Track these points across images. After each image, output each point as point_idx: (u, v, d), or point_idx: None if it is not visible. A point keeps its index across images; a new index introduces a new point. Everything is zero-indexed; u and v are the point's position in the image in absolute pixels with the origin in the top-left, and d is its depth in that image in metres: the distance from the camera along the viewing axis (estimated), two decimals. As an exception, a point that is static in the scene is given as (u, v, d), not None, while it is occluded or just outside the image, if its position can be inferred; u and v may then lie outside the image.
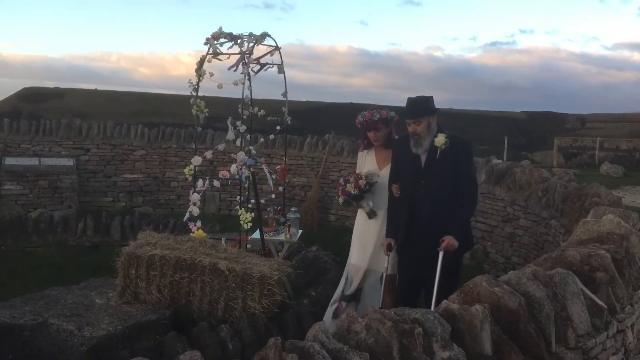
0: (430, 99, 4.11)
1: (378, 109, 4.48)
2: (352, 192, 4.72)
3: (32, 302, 4.43)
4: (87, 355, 3.78)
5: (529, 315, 2.38)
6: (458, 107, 40.23)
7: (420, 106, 4.05)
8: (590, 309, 2.66)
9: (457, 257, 4.10)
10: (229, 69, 5.59)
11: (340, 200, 4.84)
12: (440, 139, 3.95)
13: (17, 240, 7.52)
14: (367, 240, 4.68)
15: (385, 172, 4.53)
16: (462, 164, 4.00)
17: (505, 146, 20.65)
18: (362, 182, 4.65)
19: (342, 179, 4.90)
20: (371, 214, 4.67)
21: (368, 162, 4.82)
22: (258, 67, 6.22)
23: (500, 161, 7.98)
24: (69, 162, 10.12)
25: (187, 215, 5.74)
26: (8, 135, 10.13)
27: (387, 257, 4.26)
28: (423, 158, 4.07)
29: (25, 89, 30.82)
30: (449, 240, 3.83)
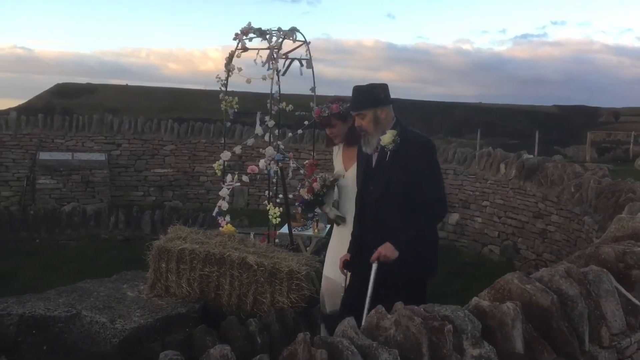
0: (378, 87, 3.42)
1: (330, 103, 3.95)
2: (306, 198, 4.22)
3: (65, 294, 4.53)
4: (118, 347, 3.85)
5: (561, 313, 2.34)
6: (488, 102, 39.73)
7: (364, 96, 3.38)
8: (625, 308, 2.60)
9: (419, 281, 3.43)
10: (263, 64, 5.61)
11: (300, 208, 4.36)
12: (387, 137, 3.29)
13: (51, 234, 7.69)
14: (341, 252, 3.91)
15: (351, 173, 3.92)
16: (423, 167, 3.28)
17: (536, 141, 20.31)
18: (316, 186, 4.15)
19: (300, 183, 4.46)
20: (338, 220, 4.19)
21: (336, 162, 4.38)
22: (286, 65, 6.22)
23: (531, 156, 7.86)
24: (101, 156, 10.30)
25: (216, 210, 5.79)
26: (42, 131, 10.34)
27: (344, 276, 3.66)
28: (374, 158, 3.44)
29: (58, 85, 31.46)
30: (383, 250, 3.15)
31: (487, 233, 7.63)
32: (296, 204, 4.43)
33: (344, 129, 3.96)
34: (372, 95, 3.35)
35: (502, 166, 7.60)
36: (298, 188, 4.24)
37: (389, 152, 3.29)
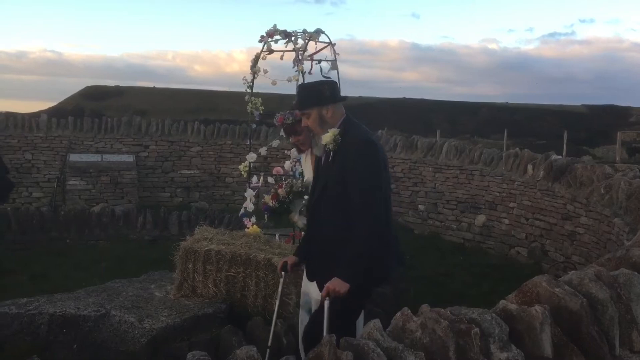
0: (323, 85, 3.22)
1: (293, 109, 3.71)
2: (270, 205, 4.03)
3: (95, 294, 4.61)
4: (146, 347, 3.90)
5: (591, 317, 2.30)
6: (515, 101, 39.25)
7: (308, 94, 3.17)
8: (658, 312, 2.55)
9: (350, 299, 2.93)
10: (294, 66, 5.63)
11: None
12: (327, 136, 3.04)
13: (81, 234, 7.83)
14: None
15: None
16: (357, 170, 2.91)
17: (565, 141, 19.98)
18: (281, 192, 4.04)
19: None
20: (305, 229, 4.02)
21: (305, 168, 4.22)
22: (312, 65, 6.23)
23: (560, 157, 7.75)
24: (129, 158, 10.46)
25: (242, 211, 5.84)
26: (72, 133, 10.54)
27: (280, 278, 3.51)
28: (322, 160, 3.21)
29: (87, 88, 31.99)
30: (331, 285, 2.80)
31: (514, 235, 7.54)
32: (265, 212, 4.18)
33: (310, 135, 3.62)
34: (315, 94, 3.14)
35: (530, 167, 7.50)
36: (263, 195, 3.89)
37: (331, 154, 3.07)
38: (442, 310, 2.18)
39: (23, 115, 10.94)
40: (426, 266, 6.97)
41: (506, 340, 2.09)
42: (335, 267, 2.86)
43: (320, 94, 3.13)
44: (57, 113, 15.04)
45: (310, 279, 3.16)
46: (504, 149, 13.23)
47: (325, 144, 3.04)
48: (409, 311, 2.22)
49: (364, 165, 2.92)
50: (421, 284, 6.05)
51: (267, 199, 3.78)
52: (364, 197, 2.88)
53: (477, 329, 2.02)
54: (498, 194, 7.89)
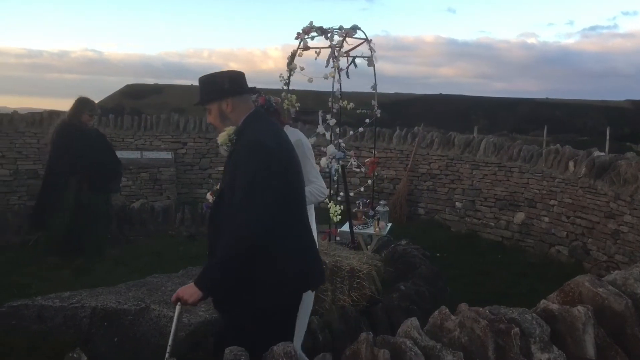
0: (222, 77, 2.85)
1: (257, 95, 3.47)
2: (211, 202, 4.05)
3: (135, 288, 4.70)
4: (185, 341, 3.96)
5: (636, 318, 2.23)
6: (555, 97, 38.41)
7: (207, 88, 2.85)
8: None
9: (242, 321, 2.68)
10: (329, 64, 5.64)
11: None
12: (222, 135, 2.77)
13: (122, 230, 7.99)
14: None
15: None
16: (238, 175, 2.61)
17: (607, 137, 19.44)
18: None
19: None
20: None
21: None
22: (349, 63, 6.22)
23: (603, 153, 7.53)
24: (167, 155, 10.63)
25: (278, 208, 5.87)
26: (113, 130, 10.76)
27: None
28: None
29: (127, 86, 32.65)
30: (181, 292, 2.58)
31: (554, 233, 7.38)
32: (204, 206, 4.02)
33: None
34: (214, 87, 2.82)
35: (571, 164, 7.32)
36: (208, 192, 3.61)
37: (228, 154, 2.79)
38: (481, 309, 2.15)
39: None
40: (463, 264, 6.89)
41: (547, 340, 2.04)
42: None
43: (218, 86, 2.81)
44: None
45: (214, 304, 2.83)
46: (544, 145, 12.96)
47: (220, 144, 2.77)
48: (447, 310, 2.20)
49: (247, 170, 2.57)
50: (458, 283, 5.98)
51: (209, 195, 3.46)
52: (242, 204, 2.53)
53: (517, 329, 1.99)
54: (538, 192, 7.74)
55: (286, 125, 3.34)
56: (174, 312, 2.64)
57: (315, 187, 3.14)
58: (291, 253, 2.67)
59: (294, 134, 3.24)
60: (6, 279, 5.59)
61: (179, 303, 2.58)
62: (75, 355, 2.11)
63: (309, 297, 3.17)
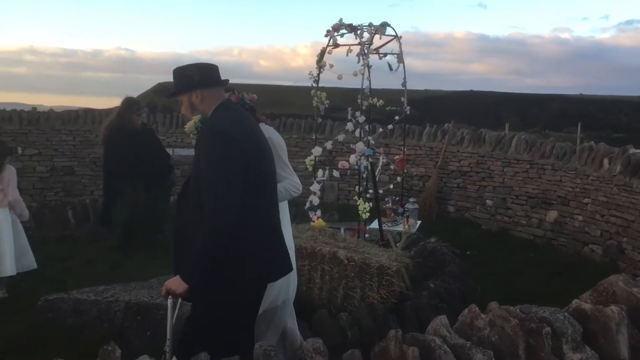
0: (191, 69, 2.88)
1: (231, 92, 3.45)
2: None
3: (167, 283, 4.78)
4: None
5: (672, 319, 2.19)
6: (589, 93, 37.61)
7: (177, 80, 2.90)
8: None
9: (207, 311, 2.73)
10: (359, 60, 5.64)
11: None
12: (189, 124, 2.85)
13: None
14: None
15: None
16: (202, 163, 2.64)
17: (644, 134, 18.96)
18: None
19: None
20: None
21: None
22: (379, 59, 6.22)
23: (638, 151, 7.36)
24: (198, 152, 10.74)
25: (307, 205, 5.90)
26: (145, 128, 10.93)
27: None
28: None
29: (159, 84, 33.14)
30: (169, 284, 2.62)
31: (588, 232, 7.24)
32: None
33: None
34: (184, 79, 2.86)
35: (606, 161, 7.17)
36: None
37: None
38: (512, 308, 2.14)
39: (100, 111, 11.41)
40: (494, 263, 6.81)
41: (579, 340, 2.02)
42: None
43: (188, 79, 2.85)
44: (131, 109, 15.67)
45: None
46: (578, 142, 12.72)
47: (188, 132, 2.84)
48: (477, 308, 2.19)
49: (209, 158, 2.62)
50: (489, 281, 5.91)
51: None
52: (208, 193, 2.58)
53: (548, 328, 1.97)
54: (571, 189, 7.60)
55: (261, 123, 3.34)
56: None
57: (289, 183, 3.18)
58: (253, 243, 2.69)
59: (267, 132, 3.26)
60: (43, 273, 5.74)
61: (169, 296, 2.63)
62: (109, 348, 2.16)
63: (286, 281, 3.21)
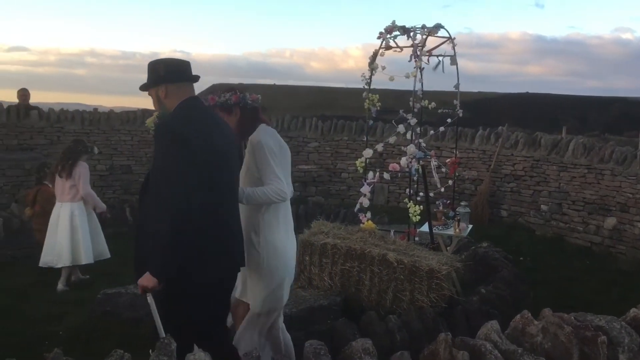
0: (159, 63, 2.90)
1: (224, 92, 3.39)
2: None
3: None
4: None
5: None
6: (653, 95, 36.06)
7: (148, 75, 2.91)
8: None
9: (172, 292, 2.74)
10: (410, 61, 5.62)
11: None
12: (150, 119, 2.92)
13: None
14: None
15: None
16: (156, 158, 2.72)
17: None
18: None
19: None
20: None
21: None
22: (436, 63, 6.17)
23: None
24: (250, 153, 10.92)
25: (357, 206, 5.91)
26: (199, 129, 11.20)
27: None
28: None
29: (213, 86, 33.74)
30: (141, 282, 2.67)
31: (649, 240, 6.98)
32: None
33: (231, 121, 3.25)
34: (152, 74, 2.87)
35: (669, 167, 6.89)
36: None
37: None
38: (566, 315, 2.10)
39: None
40: (548, 269, 6.65)
41: (637, 350, 1.96)
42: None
43: (155, 73, 2.87)
44: (186, 110, 16.06)
45: (135, 278, 2.83)
46: (639, 146, 12.22)
47: (148, 128, 2.84)
48: (529, 314, 2.15)
49: (162, 155, 2.67)
50: (542, 288, 5.78)
51: None
52: (159, 188, 2.66)
53: (604, 337, 1.92)
54: (631, 196, 7.33)
55: (262, 124, 3.29)
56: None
57: (271, 188, 3.11)
58: (204, 241, 2.71)
59: (259, 134, 3.19)
60: (104, 268, 5.97)
61: (147, 293, 2.67)
62: (166, 341, 2.24)
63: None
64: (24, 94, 10.07)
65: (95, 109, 11.08)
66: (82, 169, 5.66)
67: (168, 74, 2.84)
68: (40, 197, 6.15)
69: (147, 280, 2.64)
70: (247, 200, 3.09)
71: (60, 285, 5.69)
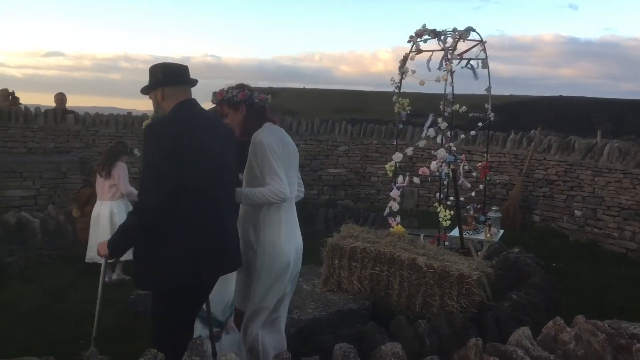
0: (157, 67, 3.02)
1: (231, 89, 3.37)
2: None
3: (249, 283, 4.93)
4: (295, 336, 4.10)
5: None
6: (693, 98, 35.04)
7: (149, 79, 3.05)
8: None
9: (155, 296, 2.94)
10: (440, 67, 5.59)
11: None
12: (145, 123, 3.07)
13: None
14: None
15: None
16: (144, 157, 2.86)
17: None
18: None
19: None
20: None
21: None
22: (461, 62, 6.13)
23: None
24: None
25: (387, 210, 5.90)
26: (230, 132, 11.30)
27: None
28: None
29: (243, 90, 33.93)
30: (98, 246, 2.96)
31: (687, 247, 6.80)
32: None
33: (237, 118, 3.31)
34: (151, 78, 3.00)
35: None
36: None
37: None
38: (600, 322, 2.07)
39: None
40: (581, 276, 6.53)
41: (673, 360, 1.92)
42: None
43: (154, 77, 2.99)
44: (217, 113, 16.21)
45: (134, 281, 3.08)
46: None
47: (144, 129, 2.93)
48: (562, 321, 2.13)
49: (145, 151, 2.79)
50: (575, 295, 5.68)
51: None
52: (140, 182, 2.81)
53: (639, 345, 1.89)
54: (669, 201, 7.16)
55: (267, 123, 3.29)
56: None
57: (269, 189, 3.10)
58: (182, 239, 2.76)
59: (261, 133, 3.19)
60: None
61: (103, 257, 2.96)
62: (198, 341, 2.27)
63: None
64: (60, 98, 10.35)
65: (129, 113, 11.28)
66: (121, 169, 5.91)
67: (165, 77, 2.95)
68: (93, 198, 6.39)
69: (102, 247, 2.87)
70: (245, 201, 3.13)
71: (114, 276, 6.02)
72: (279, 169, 3.13)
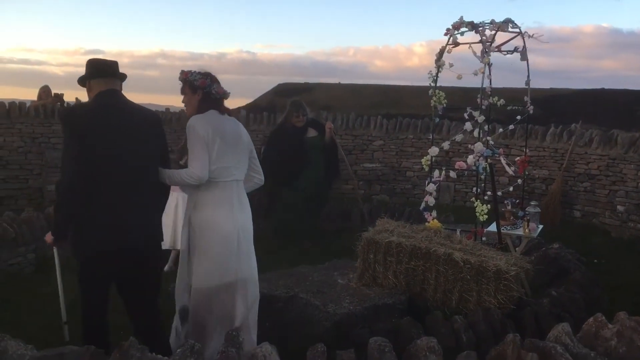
0: (89, 62, 3.36)
1: (195, 73, 3.60)
2: None
3: (284, 277, 4.97)
4: (330, 330, 4.12)
5: None
6: None
7: None
8: None
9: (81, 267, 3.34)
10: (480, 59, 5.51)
11: None
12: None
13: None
14: None
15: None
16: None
17: None
18: None
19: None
20: None
21: None
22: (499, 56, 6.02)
23: None
24: (315, 151, 10.98)
25: (422, 205, 5.86)
26: (267, 127, 11.36)
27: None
28: None
29: (279, 85, 34.19)
30: (48, 234, 3.32)
31: None
32: None
33: (193, 100, 3.56)
34: (85, 71, 3.38)
35: None
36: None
37: None
38: (643, 319, 2.01)
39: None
40: (624, 273, 6.36)
41: None
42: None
43: (85, 71, 3.36)
44: (254, 109, 16.31)
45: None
46: None
47: None
48: (603, 317, 2.08)
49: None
50: (618, 292, 5.54)
51: None
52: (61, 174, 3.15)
53: (684, 344, 1.83)
54: None
55: (211, 110, 3.52)
56: (319, 302, 2.82)
57: (185, 171, 3.37)
58: (87, 217, 3.10)
59: (194, 118, 3.46)
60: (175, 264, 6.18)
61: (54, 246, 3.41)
62: (233, 333, 2.30)
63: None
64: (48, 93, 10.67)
65: (167, 109, 11.47)
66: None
67: (91, 70, 3.32)
68: None
69: (49, 235, 3.25)
70: (168, 181, 3.43)
71: (166, 267, 6.10)
72: (199, 152, 3.34)
